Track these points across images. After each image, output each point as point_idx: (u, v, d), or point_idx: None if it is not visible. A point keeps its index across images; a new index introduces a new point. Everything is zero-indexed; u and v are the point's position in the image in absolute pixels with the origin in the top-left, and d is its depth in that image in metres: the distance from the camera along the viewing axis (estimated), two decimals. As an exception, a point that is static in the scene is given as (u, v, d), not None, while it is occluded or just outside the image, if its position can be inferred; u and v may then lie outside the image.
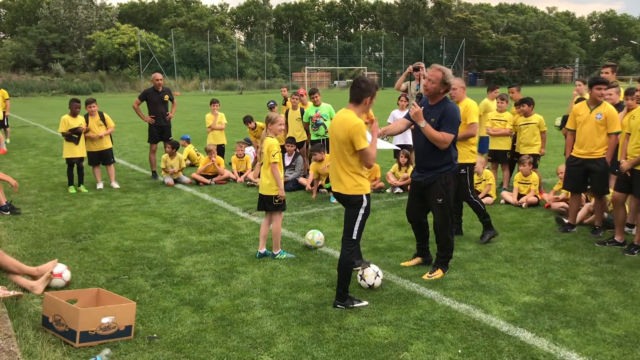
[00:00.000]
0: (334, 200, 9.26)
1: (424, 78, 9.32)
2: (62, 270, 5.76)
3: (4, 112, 16.57)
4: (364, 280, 5.71)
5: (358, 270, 5.73)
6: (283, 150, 10.66)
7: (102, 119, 10.61)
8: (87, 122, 10.45)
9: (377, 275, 5.72)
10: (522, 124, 9.72)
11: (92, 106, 10.50)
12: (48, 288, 5.57)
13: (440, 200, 5.96)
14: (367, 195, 5.19)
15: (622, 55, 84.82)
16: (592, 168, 7.30)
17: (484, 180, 9.60)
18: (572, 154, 7.56)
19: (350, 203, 5.20)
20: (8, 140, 17.48)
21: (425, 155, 5.99)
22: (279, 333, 4.75)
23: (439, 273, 6.06)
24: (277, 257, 6.67)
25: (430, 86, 5.89)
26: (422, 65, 10.16)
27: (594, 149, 7.27)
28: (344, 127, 5.03)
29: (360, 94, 5.09)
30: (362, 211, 5.17)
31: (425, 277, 6.01)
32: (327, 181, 9.92)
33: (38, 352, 4.14)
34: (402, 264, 6.45)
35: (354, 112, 5.12)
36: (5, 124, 17.14)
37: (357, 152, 5.04)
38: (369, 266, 5.77)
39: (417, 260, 6.47)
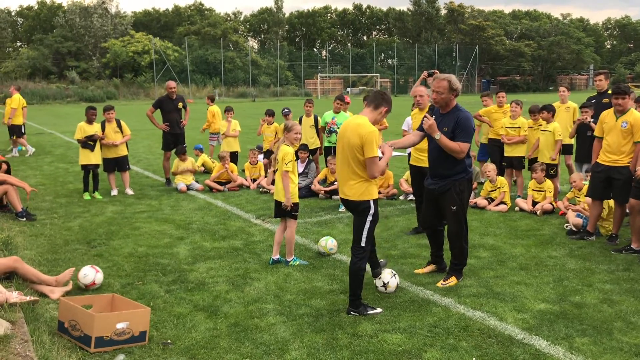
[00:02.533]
0: (342, 209, 9.26)
1: None
2: (92, 279, 5.82)
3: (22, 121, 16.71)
4: (380, 278, 5.71)
5: (380, 277, 5.75)
6: (296, 157, 10.66)
7: (119, 126, 10.70)
8: (103, 128, 10.54)
9: (394, 275, 5.74)
10: (542, 130, 9.62)
11: (110, 113, 10.61)
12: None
13: (454, 207, 5.93)
14: (375, 201, 5.20)
15: (637, 61, 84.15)
16: (615, 176, 7.25)
17: (499, 187, 9.55)
18: (597, 161, 7.52)
19: (358, 209, 5.21)
20: (24, 148, 17.65)
21: (438, 163, 5.99)
22: (293, 339, 4.75)
23: (452, 280, 6.02)
24: (290, 263, 6.67)
25: (439, 97, 5.88)
26: (437, 71, 10.13)
27: (619, 157, 7.22)
28: (358, 132, 5.04)
29: (380, 101, 5.19)
30: (369, 218, 5.18)
31: (439, 284, 5.98)
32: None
33: (54, 357, 4.17)
34: (416, 271, 6.42)
35: (368, 118, 5.15)
36: (22, 131, 17.32)
37: (366, 159, 5.05)
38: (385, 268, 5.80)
39: (431, 267, 6.44)
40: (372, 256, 5.77)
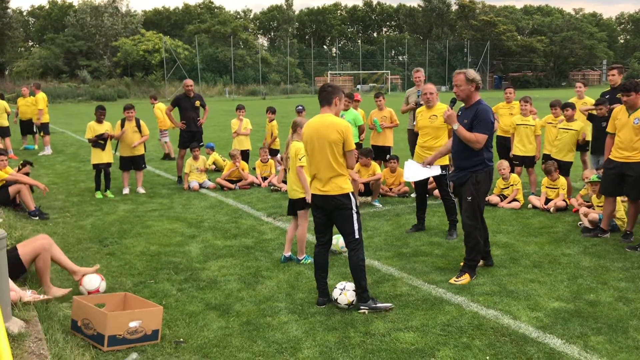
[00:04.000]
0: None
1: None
2: (97, 286, 5.70)
3: (37, 119, 16.84)
4: (339, 303, 5.38)
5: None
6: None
7: (138, 125, 10.75)
8: (122, 126, 10.60)
9: (343, 289, 5.36)
10: (562, 128, 9.49)
11: (130, 112, 10.69)
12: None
13: (470, 198, 6.02)
14: (353, 194, 5.40)
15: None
16: (628, 172, 7.18)
17: (512, 185, 9.47)
18: (609, 157, 7.44)
19: (341, 204, 5.30)
20: (36, 147, 17.79)
21: (458, 156, 6.18)
22: (305, 338, 4.74)
23: (465, 278, 5.98)
24: (302, 262, 6.66)
25: (459, 90, 6.02)
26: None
27: (631, 153, 7.14)
28: (336, 128, 5.26)
29: (329, 97, 5.40)
30: (354, 209, 5.32)
31: (451, 281, 5.96)
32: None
33: (67, 356, 4.18)
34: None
35: (332, 114, 5.38)
36: (34, 130, 17.45)
37: (347, 152, 5.30)
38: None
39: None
40: (322, 284, 5.53)
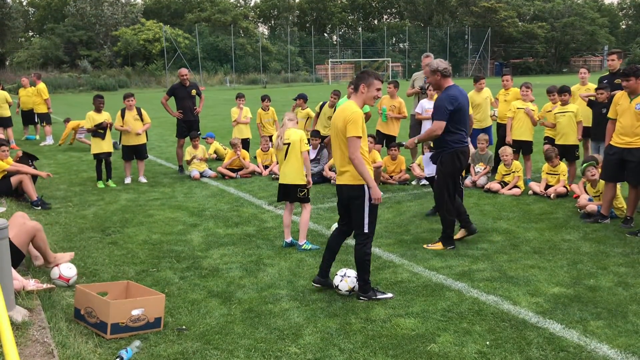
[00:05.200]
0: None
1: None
2: (72, 275, 5.66)
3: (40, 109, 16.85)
4: (340, 290, 5.42)
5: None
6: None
7: (139, 113, 10.75)
8: (123, 115, 10.59)
9: (344, 276, 5.40)
10: (558, 112, 9.50)
11: (130, 100, 10.65)
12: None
13: (436, 177, 6.78)
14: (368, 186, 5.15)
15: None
16: (628, 158, 7.18)
17: (513, 172, 9.47)
18: (610, 143, 7.44)
19: (353, 194, 5.17)
20: (37, 137, 17.82)
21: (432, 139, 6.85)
22: (306, 325, 4.77)
23: (438, 245, 6.65)
24: (302, 247, 6.70)
25: (429, 81, 6.83)
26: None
27: (632, 139, 7.14)
28: (342, 116, 5.12)
29: (356, 82, 5.27)
30: (366, 202, 5.14)
31: (425, 245, 6.68)
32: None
33: (71, 344, 4.22)
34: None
35: (355, 102, 5.21)
36: (35, 120, 17.45)
37: (347, 138, 5.04)
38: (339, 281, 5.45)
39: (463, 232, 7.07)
40: (326, 264, 5.54)
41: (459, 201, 6.84)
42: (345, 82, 47.32)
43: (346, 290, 5.35)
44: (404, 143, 7.09)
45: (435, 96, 8.38)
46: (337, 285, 5.39)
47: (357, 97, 5.23)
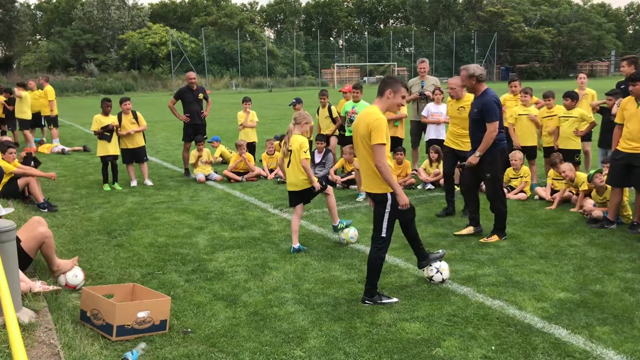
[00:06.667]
0: (359, 198, 9.35)
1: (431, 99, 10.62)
2: (78, 283, 5.67)
3: (50, 111, 16.87)
4: (441, 273, 5.68)
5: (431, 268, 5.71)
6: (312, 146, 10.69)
7: (135, 117, 10.78)
8: (120, 120, 10.63)
9: (439, 270, 5.68)
10: (562, 116, 9.47)
11: (126, 104, 10.69)
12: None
13: (489, 175, 6.98)
14: (392, 194, 5.13)
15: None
16: (636, 163, 7.16)
17: (521, 177, 9.43)
18: (617, 148, 7.42)
19: (377, 200, 5.23)
20: (44, 139, 17.86)
21: (475, 139, 7.07)
22: (311, 328, 4.77)
23: (494, 238, 7.02)
24: (338, 227, 7.00)
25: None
26: (428, 93, 10.74)
27: (639, 145, 7.11)
28: (365, 120, 5.06)
29: (382, 87, 5.20)
30: (388, 209, 5.14)
31: (482, 240, 6.99)
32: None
33: (77, 345, 4.24)
34: (455, 233, 7.33)
35: (378, 107, 5.16)
36: (42, 123, 17.51)
37: (372, 146, 4.99)
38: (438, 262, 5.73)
39: (469, 229, 7.35)
40: (418, 247, 5.74)
41: (477, 200, 7.41)
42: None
43: (439, 281, 5.65)
44: (465, 164, 7.24)
45: (447, 100, 8.51)
46: (432, 277, 5.65)
47: (381, 102, 5.17)
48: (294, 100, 11.77)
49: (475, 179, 7.31)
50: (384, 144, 4.97)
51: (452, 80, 8.27)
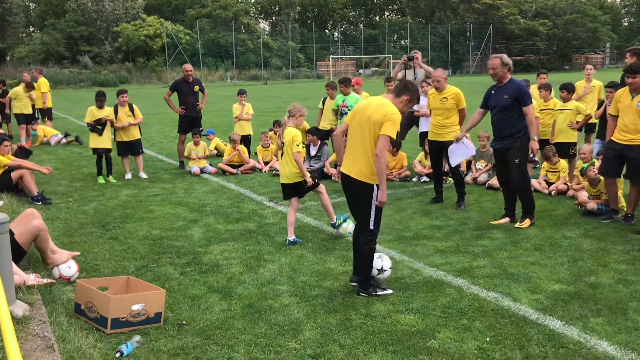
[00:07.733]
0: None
1: (419, 67, 10.53)
2: (71, 274, 5.66)
3: (43, 103, 16.75)
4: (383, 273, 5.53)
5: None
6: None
7: (131, 110, 10.74)
8: (116, 112, 10.58)
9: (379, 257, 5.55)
10: (558, 109, 9.45)
11: (123, 96, 10.65)
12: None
13: (517, 160, 7.21)
14: (377, 186, 5.13)
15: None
16: (630, 155, 7.17)
17: (559, 171, 9.34)
18: (611, 138, 7.43)
19: (359, 190, 5.17)
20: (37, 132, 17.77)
21: (502, 126, 7.30)
22: (306, 320, 4.78)
23: (527, 222, 7.30)
24: (337, 224, 6.96)
25: (495, 73, 7.26)
26: (418, 54, 10.64)
27: (634, 136, 7.12)
28: (382, 111, 5.05)
29: (401, 90, 5.23)
30: (374, 200, 5.13)
31: (516, 225, 7.27)
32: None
33: (71, 338, 4.23)
34: (491, 222, 7.53)
35: (392, 103, 5.17)
36: (36, 116, 17.40)
37: (382, 135, 5.00)
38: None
39: (506, 220, 7.54)
40: None
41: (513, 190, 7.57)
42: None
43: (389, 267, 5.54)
44: (534, 157, 7.96)
45: (431, 91, 8.49)
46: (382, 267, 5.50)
47: (394, 100, 5.20)
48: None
49: (505, 169, 7.44)
50: (390, 137, 5.02)
51: (438, 72, 8.51)
